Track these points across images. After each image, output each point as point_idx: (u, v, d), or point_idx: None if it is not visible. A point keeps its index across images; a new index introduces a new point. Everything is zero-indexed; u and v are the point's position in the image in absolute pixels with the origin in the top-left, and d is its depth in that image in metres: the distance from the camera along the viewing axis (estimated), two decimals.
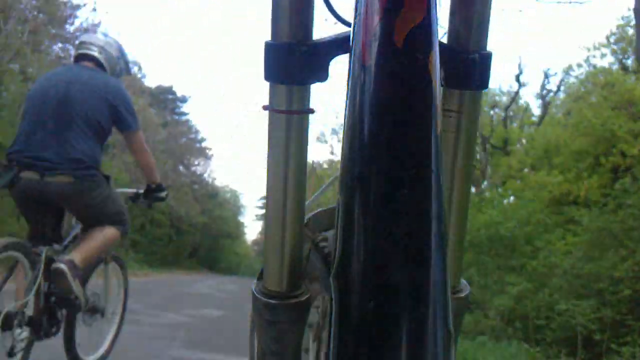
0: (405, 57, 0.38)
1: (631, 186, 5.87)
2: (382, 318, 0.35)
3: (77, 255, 2.30)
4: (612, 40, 12.23)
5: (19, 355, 2.16)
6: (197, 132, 28.22)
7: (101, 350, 2.75)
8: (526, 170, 11.85)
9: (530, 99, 27.70)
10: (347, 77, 0.42)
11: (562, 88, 14.68)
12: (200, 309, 7.17)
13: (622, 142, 7.95)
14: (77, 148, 2.35)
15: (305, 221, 0.64)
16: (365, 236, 0.37)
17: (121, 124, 2.57)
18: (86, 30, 13.64)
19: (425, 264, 0.37)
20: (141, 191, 2.81)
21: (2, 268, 2.27)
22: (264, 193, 0.57)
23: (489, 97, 14.00)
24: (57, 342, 2.46)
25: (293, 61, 0.47)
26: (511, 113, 15.07)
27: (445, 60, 0.47)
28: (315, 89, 0.50)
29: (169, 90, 27.22)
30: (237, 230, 36.29)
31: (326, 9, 0.53)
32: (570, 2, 8.52)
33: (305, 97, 0.49)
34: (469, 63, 0.48)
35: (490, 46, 0.50)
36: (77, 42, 2.96)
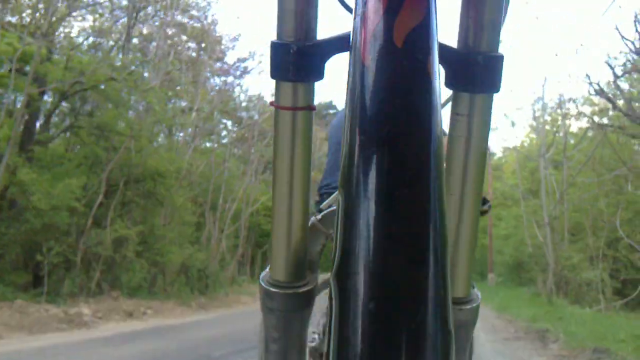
0: (405, 57, 0.38)
1: None
2: (382, 318, 0.36)
3: None
4: None
5: None
6: None
7: None
8: None
9: None
10: (347, 76, 0.43)
11: None
12: None
13: None
14: None
15: (320, 217, 0.66)
16: (365, 236, 0.37)
17: None
18: (245, 60, 15.84)
19: (425, 263, 0.36)
20: None
21: None
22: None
23: None
24: None
25: (297, 60, 0.48)
26: None
27: (451, 62, 0.47)
28: (318, 87, 0.52)
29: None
30: None
31: (327, 10, 0.54)
32: None
33: (308, 94, 0.51)
34: (478, 65, 0.47)
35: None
36: None
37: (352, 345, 0.36)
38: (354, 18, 0.43)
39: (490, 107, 0.50)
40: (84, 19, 11.73)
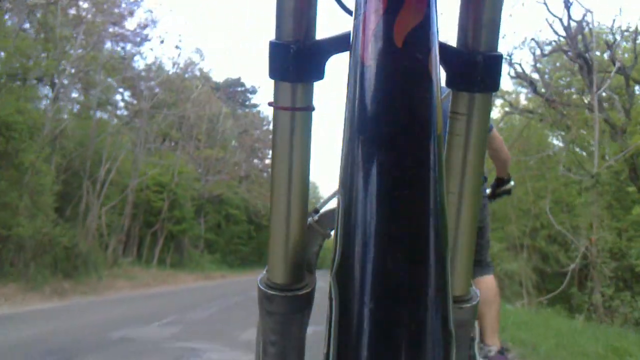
0: (405, 57, 0.38)
1: None
2: (382, 318, 0.35)
3: None
4: None
5: None
6: (269, 123, 27.58)
7: None
8: None
9: None
10: (347, 76, 0.43)
11: None
12: None
13: None
14: None
15: (317, 218, 0.66)
16: (365, 236, 0.37)
17: None
18: (145, 27, 14.69)
19: (425, 263, 0.36)
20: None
21: None
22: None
23: None
24: None
25: (296, 59, 0.48)
26: None
27: (451, 62, 0.47)
28: (316, 87, 0.52)
29: (238, 83, 25.81)
30: None
31: (327, 10, 0.55)
32: None
33: (307, 94, 0.51)
34: (477, 65, 0.48)
35: None
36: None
37: (352, 346, 0.36)
38: (354, 18, 0.43)
39: (488, 107, 0.51)
40: None
